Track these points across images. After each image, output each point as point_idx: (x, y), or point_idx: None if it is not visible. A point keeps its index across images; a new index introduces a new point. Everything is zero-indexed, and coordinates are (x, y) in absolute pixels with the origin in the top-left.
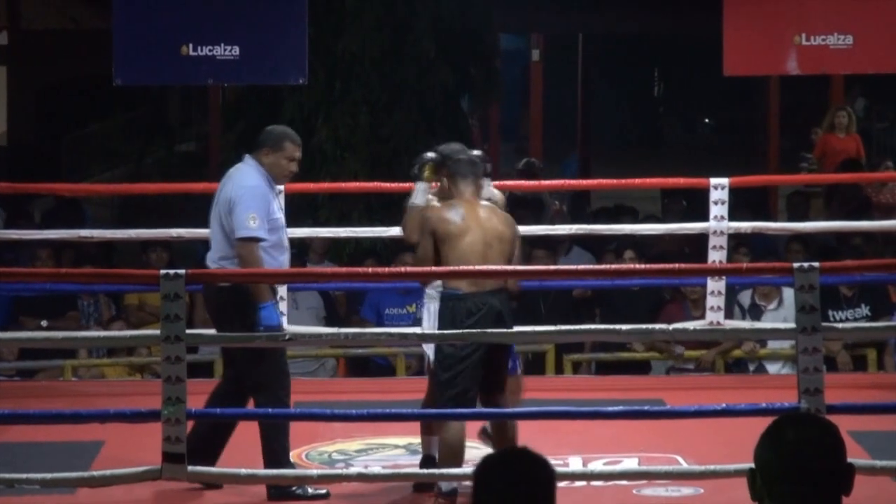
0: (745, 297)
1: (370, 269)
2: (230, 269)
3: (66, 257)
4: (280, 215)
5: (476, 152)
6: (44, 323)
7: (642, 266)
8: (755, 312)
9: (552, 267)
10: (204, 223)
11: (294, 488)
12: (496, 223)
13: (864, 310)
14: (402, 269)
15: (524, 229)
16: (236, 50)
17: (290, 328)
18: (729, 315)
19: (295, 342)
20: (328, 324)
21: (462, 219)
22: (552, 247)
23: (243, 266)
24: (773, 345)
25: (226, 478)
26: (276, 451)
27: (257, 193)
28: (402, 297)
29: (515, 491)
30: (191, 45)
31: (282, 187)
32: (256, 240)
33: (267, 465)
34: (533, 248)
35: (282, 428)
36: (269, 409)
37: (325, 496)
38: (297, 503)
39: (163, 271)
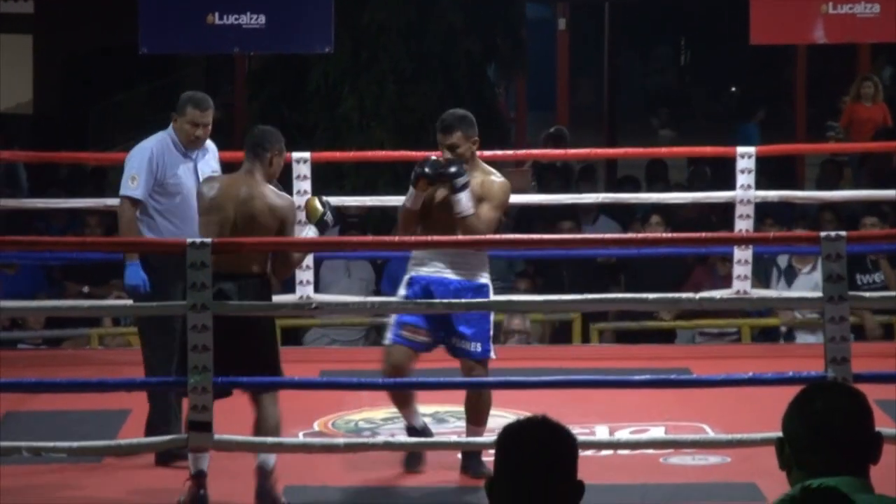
0: (783, 260)
1: (396, 238)
2: (255, 238)
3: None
4: (185, 181)
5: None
6: (85, 289)
7: (669, 235)
8: (790, 275)
9: (579, 235)
10: None
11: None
12: (256, 207)
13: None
14: (429, 238)
15: (552, 197)
16: (262, 18)
17: (316, 297)
18: (767, 278)
19: (321, 311)
20: (379, 295)
21: (214, 194)
22: (577, 216)
23: (119, 224)
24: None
25: (252, 446)
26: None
27: (144, 155)
28: None
29: (537, 459)
30: (217, 14)
31: (209, 155)
32: (130, 199)
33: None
34: (559, 217)
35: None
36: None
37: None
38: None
39: (189, 240)
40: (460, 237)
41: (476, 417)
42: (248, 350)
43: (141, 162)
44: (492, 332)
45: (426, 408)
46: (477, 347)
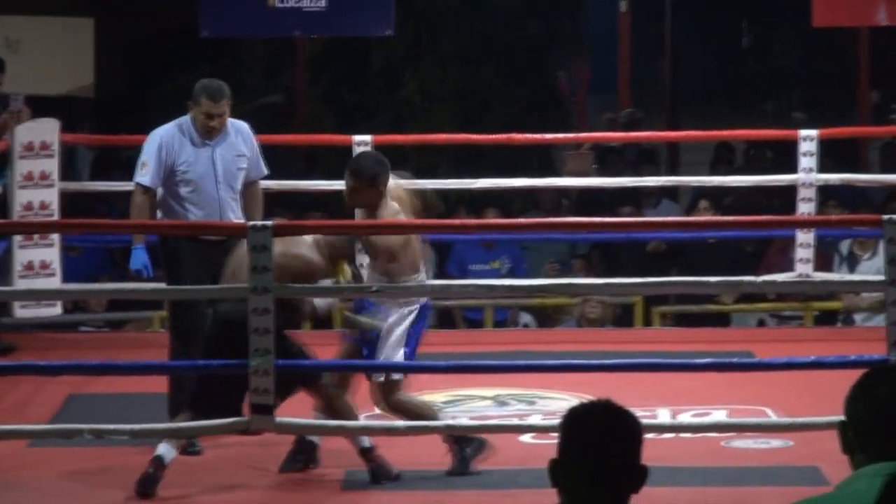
0: (845, 246)
1: (458, 221)
2: (317, 220)
3: None
4: (199, 168)
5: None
6: None
7: (730, 218)
8: (852, 261)
9: (639, 219)
10: (288, 175)
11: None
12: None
13: None
14: (491, 220)
15: (612, 181)
16: (323, 1)
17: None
18: (829, 263)
19: (381, 294)
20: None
21: None
22: (638, 200)
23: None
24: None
25: (314, 429)
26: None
27: (154, 142)
28: (486, 253)
29: (601, 443)
30: None
31: (234, 139)
32: (140, 186)
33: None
34: (621, 201)
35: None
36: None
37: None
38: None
39: (250, 223)
40: (524, 220)
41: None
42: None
43: (150, 149)
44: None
45: (487, 391)
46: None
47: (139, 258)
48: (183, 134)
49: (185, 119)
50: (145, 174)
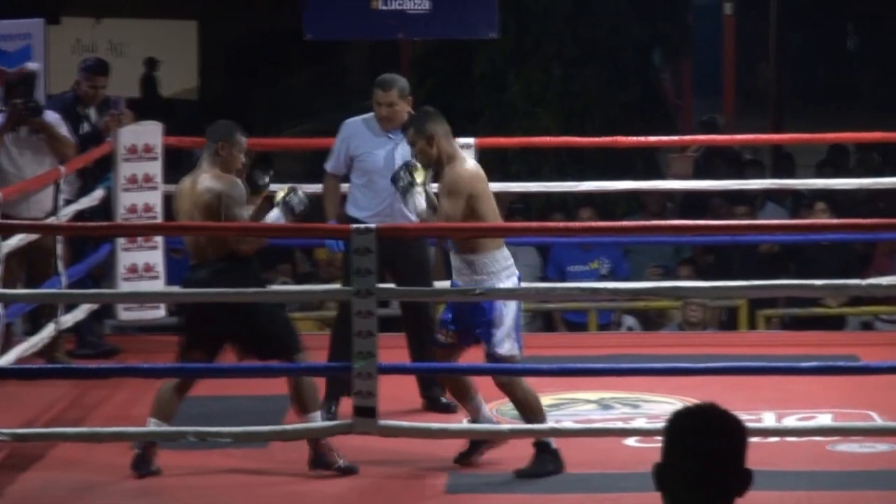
0: None
1: (561, 224)
2: (421, 224)
3: None
4: (377, 159)
5: None
6: None
7: (835, 221)
8: None
9: (741, 222)
10: None
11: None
12: (194, 195)
13: None
14: (594, 224)
15: (717, 183)
16: (427, 4)
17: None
18: None
19: (485, 296)
20: (544, 281)
21: (175, 191)
22: (751, 202)
23: None
24: None
25: (418, 432)
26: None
27: (342, 130)
28: (585, 254)
29: (705, 447)
30: (381, 0)
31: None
32: (325, 170)
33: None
34: (732, 203)
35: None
36: (460, 364)
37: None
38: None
39: (354, 226)
40: (628, 223)
41: (528, 412)
42: (251, 334)
43: (338, 137)
44: (516, 329)
45: (591, 394)
46: (497, 342)
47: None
48: (368, 125)
49: (373, 113)
50: (329, 160)
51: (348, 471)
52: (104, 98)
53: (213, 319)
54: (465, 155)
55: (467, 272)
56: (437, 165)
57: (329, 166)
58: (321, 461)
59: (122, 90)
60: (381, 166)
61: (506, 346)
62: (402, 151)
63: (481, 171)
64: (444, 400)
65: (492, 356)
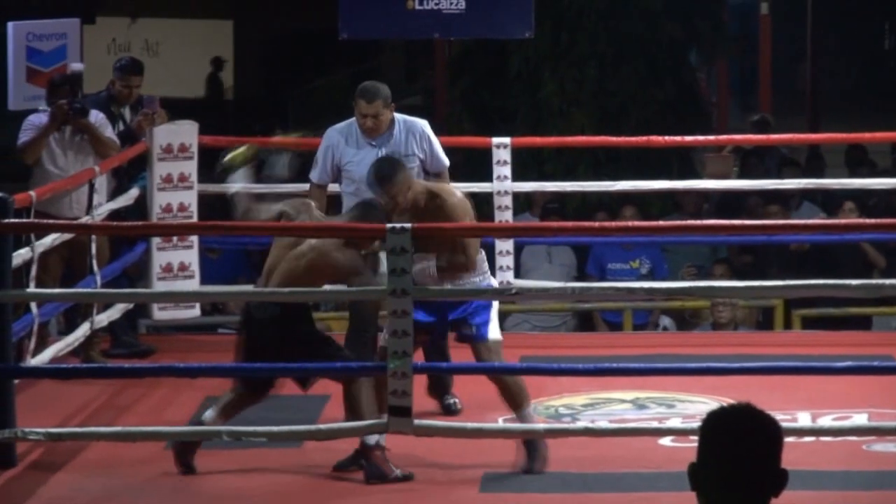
0: None
1: (597, 224)
2: (453, 224)
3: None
4: (361, 168)
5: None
6: None
7: (869, 221)
8: None
9: (777, 222)
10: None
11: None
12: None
13: None
14: (630, 223)
15: (753, 183)
16: (462, 4)
17: (517, 282)
18: None
19: (522, 296)
20: (581, 280)
21: None
22: (785, 201)
23: None
24: None
25: (453, 431)
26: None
27: (324, 139)
28: (626, 253)
29: (740, 448)
30: None
31: (402, 139)
32: (310, 182)
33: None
34: (767, 202)
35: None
36: (499, 364)
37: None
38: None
39: (389, 225)
40: (664, 223)
41: (514, 402)
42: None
43: (320, 147)
44: (491, 317)
45: (626, 394)
46: (476, 330)
47: None
48: (350, 134)
49: (354, 120)
50: (314, 170)
51: (405, 479)
52: (138, 98)
53: (272, 342)
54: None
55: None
56: (414, 204)
57: (314, 176)
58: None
59: (156, 90)
60: (367, 174)
61: (496, 333)
62: (388, 153)
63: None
64: (449, 401)
65: (482, 342)
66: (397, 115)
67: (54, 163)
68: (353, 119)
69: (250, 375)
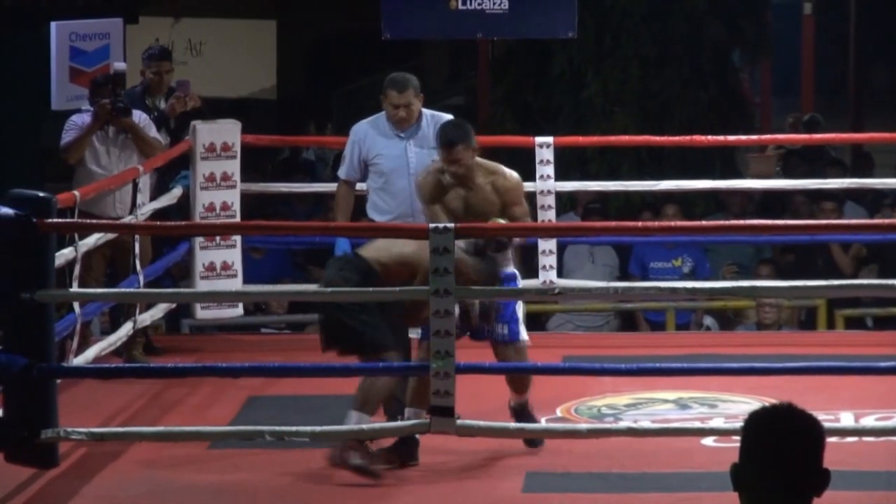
0: None
1: (640, 224)
2: (500, 224)
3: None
4: (390, 160)
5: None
6: None
7: None
8: None
9: (820, 221)
10: None
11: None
12: None
13: None
14: (672, 223)
15: (796, 183)
16: (505, 4)
17: (559, 282)
18: None
19: (564, 296)
20: (624, 280)
21: None
22: (840, 199)
23: None
24: None
25: (495, 431)
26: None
27: (352, 135)
28: (668, 252)
29: (783, 448)
30: None
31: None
32: (338, 179)
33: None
34: (821, 199)
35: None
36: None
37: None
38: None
39: (431, 224)
40: (707, 222)
41: (519, 386)
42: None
43: (348, 143)
44: (520, 317)
45: (669, 394)
46: (504, 329)
47: (341, 246)
48: (377, 127)
49: (382, 114)
50: (342, 166)
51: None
52: (170, 88)
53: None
54: None
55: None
56: (469, 171)
57: (342, 172)
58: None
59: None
60: (396, 166)
61: (524, 333)
62: (415, 149)
63: None
64: None
65: (511, 344)
66: (424, 110)
67: (97, 162)
68: (380, 114)
69: (289, 375)
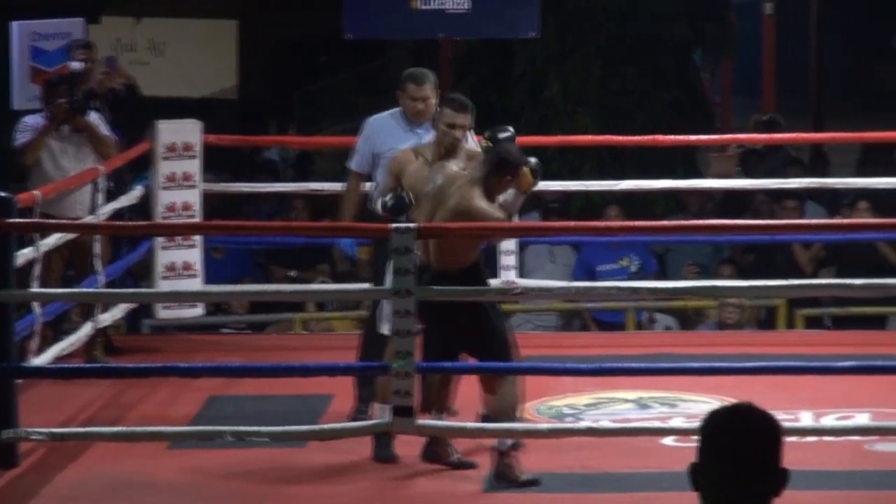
0: None
1: (601, 224)
2: (457, 224)
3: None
4: None
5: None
6: (293, 273)
7: (875, 220)
8: None
9: (778, 221)
10: None
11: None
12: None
13: None
14: (627, 223)
15: (755, 183)
16: (467, 3)
17: (520, 282)
18: None
19: (525, 296)
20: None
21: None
22: (801, 197)
23: None
24: None
25: (454, 432)
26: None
27: (364, 127)
28: (613, 253)
29: (741, 447)
30: None
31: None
32: (348, 170)
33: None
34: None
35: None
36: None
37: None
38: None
39: (394, 225)
40: (667, 222)
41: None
42: (469, 334)
43: (361, 135)
44: None
45: (629, 394)
46: None
47: (346, 240)
48: (392, 121)
49: (397, 109)
50: (353, 158)
51: (463, 465)
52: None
53: (449, 321)
54: None
55: None
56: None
57: (354, 164)
58: (433, 453)
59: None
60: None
61: None
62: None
63: None
64: None
65: None
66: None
67: (54, 163)
68: (395, 109)
69: (250, 376)
